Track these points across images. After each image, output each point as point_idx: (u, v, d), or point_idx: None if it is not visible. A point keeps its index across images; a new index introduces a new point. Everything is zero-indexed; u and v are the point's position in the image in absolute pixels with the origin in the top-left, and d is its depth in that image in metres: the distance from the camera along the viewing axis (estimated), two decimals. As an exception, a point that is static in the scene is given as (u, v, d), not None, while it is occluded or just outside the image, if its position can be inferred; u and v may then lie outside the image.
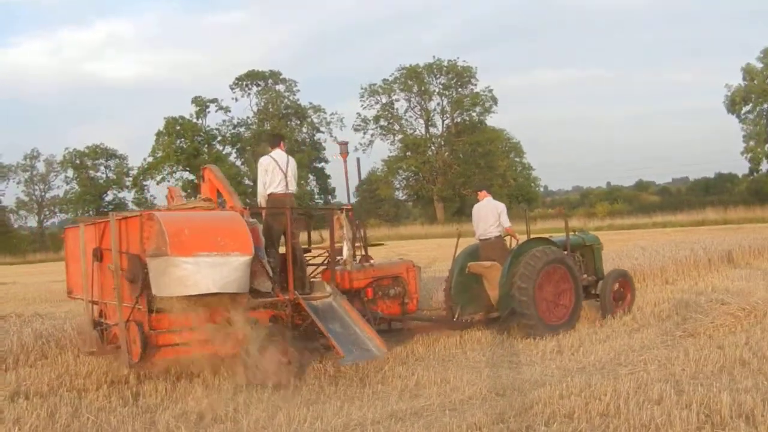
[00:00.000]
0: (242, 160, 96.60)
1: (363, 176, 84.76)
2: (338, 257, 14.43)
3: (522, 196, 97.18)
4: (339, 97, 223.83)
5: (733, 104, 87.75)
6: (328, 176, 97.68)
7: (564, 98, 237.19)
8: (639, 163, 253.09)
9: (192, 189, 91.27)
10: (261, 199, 14.40)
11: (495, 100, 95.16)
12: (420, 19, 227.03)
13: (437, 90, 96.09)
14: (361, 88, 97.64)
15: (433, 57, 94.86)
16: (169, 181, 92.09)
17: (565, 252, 16.83)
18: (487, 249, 16.78)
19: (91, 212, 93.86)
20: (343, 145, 16.60)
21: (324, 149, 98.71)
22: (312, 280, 14.25)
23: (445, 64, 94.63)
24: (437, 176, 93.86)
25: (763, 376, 10.77)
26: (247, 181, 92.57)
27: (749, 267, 25.65)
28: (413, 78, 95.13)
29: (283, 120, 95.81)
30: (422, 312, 16.52)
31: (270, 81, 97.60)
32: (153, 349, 11.43)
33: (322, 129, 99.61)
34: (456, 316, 16.23)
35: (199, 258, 10.88)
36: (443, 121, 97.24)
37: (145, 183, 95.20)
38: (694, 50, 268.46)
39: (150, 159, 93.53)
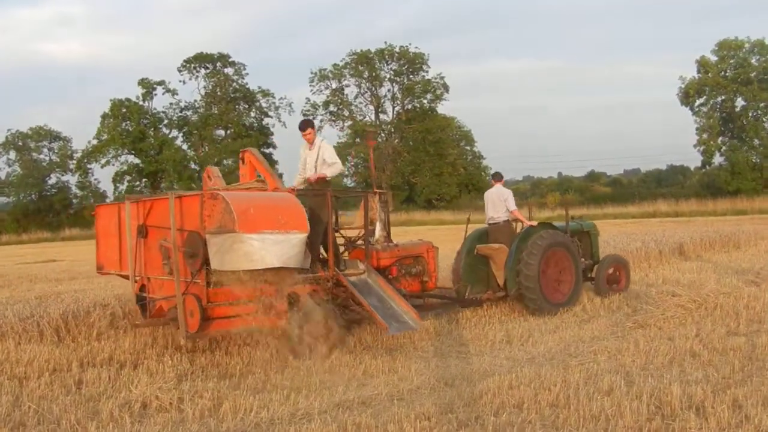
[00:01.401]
0: (189, 144, 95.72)
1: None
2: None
3: (472, 185, 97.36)
4: (288, 82, 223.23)
5: (687, 97, 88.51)
6: (276, 162, 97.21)
7: (517, 88, 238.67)
8: (591, 154, 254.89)
9: (137, 173, 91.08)
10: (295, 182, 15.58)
11: (446, 88, 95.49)
12: (373, 5, 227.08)
13: (388, 76, 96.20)
14: (311, 73, 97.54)
15: (385, 43, 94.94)
16: (113, 164, 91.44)
17: (566, 236, 18.00)
18: (495, 232, 18.16)
19: (33, 196, 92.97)
20: (372, 132, 17.45)
21: (272, 134, 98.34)
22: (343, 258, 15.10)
23: (397, 50, 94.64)
24: (387, 163, 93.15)
25: (713, 368, 10.89)
26: (193, 165, 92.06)
27: (700, 259, 25.86)
28: (364, 63, 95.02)
29: (231, 104, 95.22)
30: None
31: (218, 64, 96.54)
32: (208, 321, 12.14)
33: (270, 114, 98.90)
34: (466, 294, 17.55)
35: (264, 235, 11.54)
36: (394, 107, 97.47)
37: (89, 166, 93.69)
38: (650, 43, 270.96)
39: (95, 142, 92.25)
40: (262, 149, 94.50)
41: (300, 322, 12.60)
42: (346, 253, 15.36)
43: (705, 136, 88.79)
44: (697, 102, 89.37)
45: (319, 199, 14.18)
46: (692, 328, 13.73)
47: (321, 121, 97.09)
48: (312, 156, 15.27)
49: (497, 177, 18.80)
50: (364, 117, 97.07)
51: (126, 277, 14.55)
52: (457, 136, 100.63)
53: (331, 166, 15.10)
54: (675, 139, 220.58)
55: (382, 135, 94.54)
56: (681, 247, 27.56)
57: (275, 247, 11.60)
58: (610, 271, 19.07)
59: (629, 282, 19.39)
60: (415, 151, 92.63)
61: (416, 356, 12.97)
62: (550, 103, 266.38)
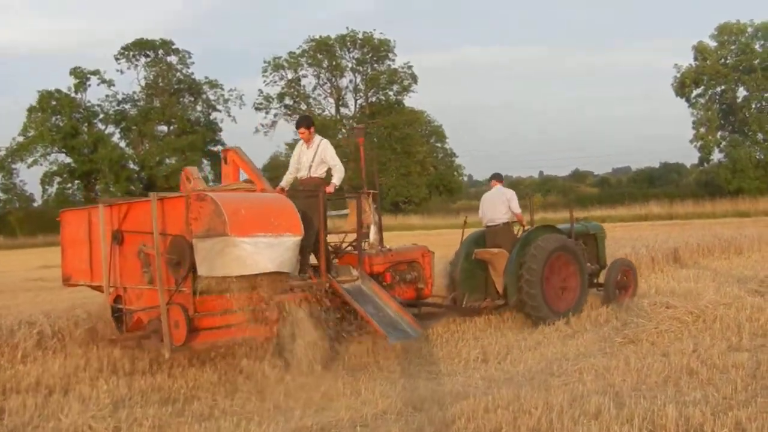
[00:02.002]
0: (127, 141, 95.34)
1: (265, 161, 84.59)
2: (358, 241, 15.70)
3: (443, 185, 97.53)
4: (239, 72, 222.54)
5: (683, 87, 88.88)
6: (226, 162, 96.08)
7: (494, 79, 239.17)
8: (576, 151, 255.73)
9: (69, 174, 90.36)
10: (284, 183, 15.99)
11: (415, 78, 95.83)
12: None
13: (350, 65, 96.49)
14: (265, 62, 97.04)
15: (347, 28, 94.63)
16: (41, 164, 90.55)
17: (570, 239, 18.63)
18: (494, 236, 18.42)
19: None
20: (360, 128, 17.86)
21: (221, 130, 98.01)
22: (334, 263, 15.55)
23: (360, 36, 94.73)
24: (348, 162, 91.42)
25: (713, 387, 10.91)
26: (132, 165, 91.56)
27: (697, 267, 25.98)
28: (323, 51, 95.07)
29: (174, 96, 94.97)
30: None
31: (161, 51, 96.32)
32: (195, 332, 12.53)
33: (218, 107, 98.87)
34: (464, 302, 17.77)
35: (257, 238, 11.96)
36: (356, 100, 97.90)
37: (14, 167, 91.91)
38: (641, 27, 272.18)
39: (20, 139, 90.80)
40: (209, 147, 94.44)
41: (292, 332, 12.93)
42: (335, 259, 15.66)
43: (703, 130, 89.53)
44: (694, 92, 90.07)
45: (311, 200, 14.39)
46: (689, 343, 13.72)
47: (275, 115, 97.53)
48: (308, 155, 15.56)
49: (497, 178, 19.14)
50: (323, 111, 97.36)
51: (98, 288, 14.89)
52: (426, 132, 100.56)
53: (336, 169, 15.48)
54: (669, 134, 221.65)
55: (343, 131, 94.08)
56: (676, 253, 27.68)
57: (268, 250, 12.02)
58: (619, 276, 19.46)
59: (637, 288, 19.71)
60: (380, 148, 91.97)
61: (381, 377, 12.96)
62: (531, 96, 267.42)
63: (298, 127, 15.78)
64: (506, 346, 14.83)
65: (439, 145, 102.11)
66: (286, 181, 15.91)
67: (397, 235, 38.32)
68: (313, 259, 14.45)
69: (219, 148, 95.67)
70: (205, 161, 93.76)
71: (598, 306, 18.34)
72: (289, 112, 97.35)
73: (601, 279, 19.88)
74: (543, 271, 17.20)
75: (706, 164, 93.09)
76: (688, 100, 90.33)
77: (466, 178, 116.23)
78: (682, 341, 14.08)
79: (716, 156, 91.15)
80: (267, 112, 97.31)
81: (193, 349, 13.16)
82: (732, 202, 72.11)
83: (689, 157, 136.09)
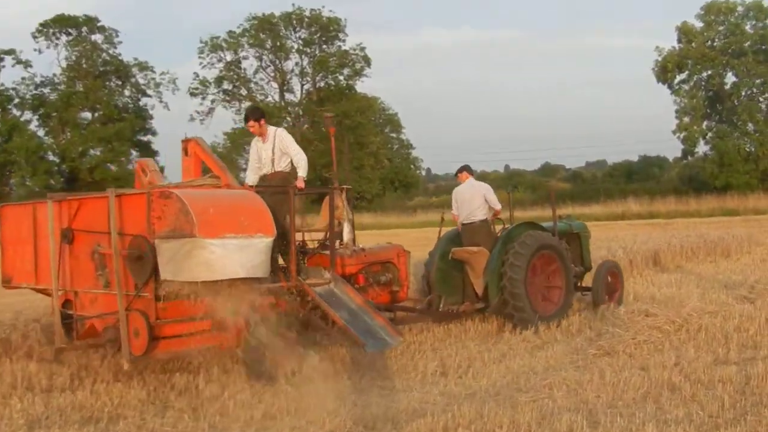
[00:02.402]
0: (46, 129, 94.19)
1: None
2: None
3: (399, 180, 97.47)
4: (172, 54, 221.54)
5: (665, 72, 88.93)
6: (156, 152, 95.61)
7: (455, 63, 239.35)
8: (546, 142, 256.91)
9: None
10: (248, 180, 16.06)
11: (368, 61, 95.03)
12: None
13: (296, 46, 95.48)
14: (201, 42, 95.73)
15: (293, 5, 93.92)
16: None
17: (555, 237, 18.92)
18: (471, 234, 18.58)
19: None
20: (330, 117, 17.97)
21: (152, 117, 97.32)
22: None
23: (307, 14, 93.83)
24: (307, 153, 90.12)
25: (698, 405, 10.98)
26: (51, 157, 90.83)
27: (680, 270, 26.16)
28: (266, 30, 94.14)
29: (99, 79, 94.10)
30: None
31: (84, 29, 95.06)
32: (156, 340, 12.40)
33: (149, 92, 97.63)
34: (440, 306, 18.05)
35: (226, 240, 11.93)
36: (302, 85, 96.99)
37: None
38: (620, 7, 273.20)
39: None
40: (138, 137, 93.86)
41: (261, 339, 12.82)
42: (303, 260, 15.69)
43: (687, 119, 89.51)
44: (678, 78, 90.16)
45: (279, 197, 14.51)
46: (671, 356, 13.80)
47: (212, 101, 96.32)
48: (266, 149, 15.65)
49: (467, 170, 19.36)
50: (266, 97, 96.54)
51: (43, 292, 15.01)
52: (380, 121, 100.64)
53: (298, 160, 15.61)
54: (649, 124, 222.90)
55: (288, 119, 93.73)
56: (656, 256, 27.90)
57: (238, 254, 12.00)
58: (608, 279, 19.71)
59: (623, 291, 20.17)
60: (328, 140, 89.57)
61: (329, 393, 12.80)
62: (496, 82, 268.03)
63: (246, 121, 15.82)
64: (468, 359, 14.82)
65: (394, 135, 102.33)
66: (251, 180, 15.90)
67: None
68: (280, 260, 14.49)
69: (150, 138, 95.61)
70: (133, 152, 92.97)
71: (569, 314, 18.33)
72: (227, 98, 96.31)
73: (586, 281, 20.12)
74: (527, 272, 17.35)
75: (690, 157, 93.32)
76: (670, 86, 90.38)
77: (423, 172, 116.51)
78: (663, 353, 14.16)
79: (701, 148, 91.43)
80: (203, 98, 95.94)
81: (155, 359, 13.24)
82: (719, 199, 72.28)
83: (672, 149, 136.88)
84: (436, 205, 79.55)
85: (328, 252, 15.52)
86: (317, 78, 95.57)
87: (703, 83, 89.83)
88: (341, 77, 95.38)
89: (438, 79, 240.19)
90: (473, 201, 18.60)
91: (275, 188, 15.04)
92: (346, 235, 16.28)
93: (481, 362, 14.53)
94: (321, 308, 14.25)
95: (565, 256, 18.55)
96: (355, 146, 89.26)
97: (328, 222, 15.75)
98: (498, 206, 18.68)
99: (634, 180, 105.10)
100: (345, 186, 16.78)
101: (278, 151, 15.53)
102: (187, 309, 12.39)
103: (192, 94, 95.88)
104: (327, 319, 14.38)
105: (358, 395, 12.71)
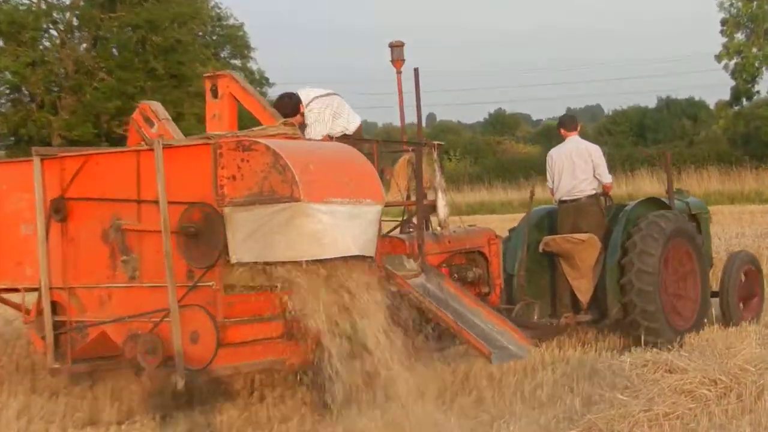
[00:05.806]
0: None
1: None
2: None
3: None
4: None
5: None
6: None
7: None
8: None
9: None
10: None
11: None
12: None
13: None
14: None
15: None
16: None
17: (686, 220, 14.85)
18: (575, 215, 14.49)
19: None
20: (398, 47, 14.90)
21: None
22: None
23: None
24: (66, 95, 58.28)
25: None
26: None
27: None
28: None
29: None
30: None
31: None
32: (220, 348, 9.54)
33: None
34: (535, 316, 14.10)
35: (334, 206, 9.37)
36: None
37: None
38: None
39: None
40: None
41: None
42: None
43: (740, 36, 62.17)
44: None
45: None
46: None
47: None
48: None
49: (570, 124, 15.24)
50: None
51: (31, 290, 11.29)
52: (215, 40, 67.58)
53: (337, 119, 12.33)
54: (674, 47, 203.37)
55: (55, 35, 61.33)
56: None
57: (349, 224, 9.48)
58: (742, 278, 15.18)
59: (764, 298, 15.76)
60: (125, 68, 58.24)
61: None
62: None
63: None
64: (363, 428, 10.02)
65: (237, 62, 66.84)
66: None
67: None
68: None
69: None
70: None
71: (539, 368, 12.32)
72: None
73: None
74: (660, 267, 13.39)
75: (746, 101, 63.94)
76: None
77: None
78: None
79: (765, 86, 62.84)
80: None
81: (217, 375, 9.91)
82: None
83: (714, 89, 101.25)
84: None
85: (401, 235, 12.50)
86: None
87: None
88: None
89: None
90: (579, 169, 14.44)
91: (356, 140, 11.73)
92: (441, 211, 12.57)
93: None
94: (423, 308, 10.95)
95: (700, 247, 14.44)
96: (169, 80, 59.70)
97: (407, 193, 12.59)
98: (608, 179, 14.66)
99: (647, 138, 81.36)
100: (436, 142, 13.33)
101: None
102: (255, 305, 9.71)
103: None
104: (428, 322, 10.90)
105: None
